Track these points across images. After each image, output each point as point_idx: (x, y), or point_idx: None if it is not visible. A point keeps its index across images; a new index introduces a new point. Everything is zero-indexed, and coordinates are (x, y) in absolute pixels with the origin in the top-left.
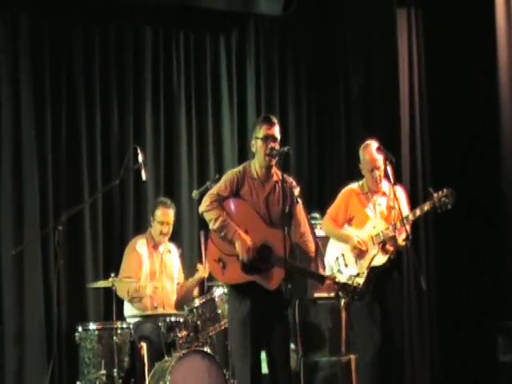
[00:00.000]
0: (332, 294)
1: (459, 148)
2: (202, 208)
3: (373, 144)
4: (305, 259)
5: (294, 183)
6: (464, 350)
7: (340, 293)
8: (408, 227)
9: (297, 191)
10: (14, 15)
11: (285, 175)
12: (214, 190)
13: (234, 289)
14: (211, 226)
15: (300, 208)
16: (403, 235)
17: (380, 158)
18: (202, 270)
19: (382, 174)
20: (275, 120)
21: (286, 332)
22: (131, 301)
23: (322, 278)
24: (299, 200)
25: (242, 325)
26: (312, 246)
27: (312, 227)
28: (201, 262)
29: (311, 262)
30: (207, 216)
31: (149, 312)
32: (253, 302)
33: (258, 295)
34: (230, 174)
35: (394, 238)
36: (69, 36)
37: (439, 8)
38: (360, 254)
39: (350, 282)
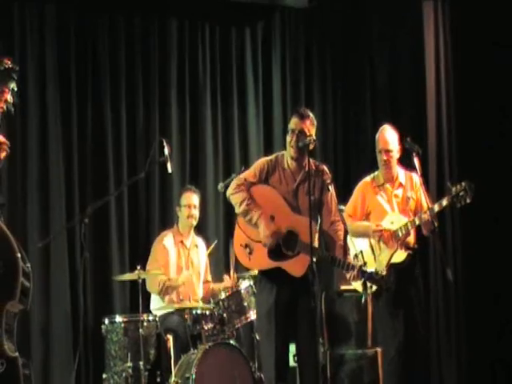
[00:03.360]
0: (358, 284)
1: (486, 140)
2: (228, 191)
3: (386, 127)
4: (332, 247)
5: (326, 170)
6: (491, 344)
7: (367, 282)
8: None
9: (328, 179)
10: (41, 6)
11: (317, 162)
12: (243, 175)
13: (261, 276)
14: (236, 209)
15: (331, 196)
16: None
17: (392, 142)
18: (228, 281)
19: (394, 161)
20: (308, 113)
21: (314, 324)
22: (161, 293)
23: (348, 267)
24: (330, 188)
25: (268, 315)
26: (341, 235)
27: (342, 215)
28: (228, 272)
29: (339, 250)
30: (233, 199)
31: (175, 305)
32: (279, 291)
33: (285, 283)
34: (261, 162)
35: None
36: (95, 27)
37: None
38: (381, 236)
39: (378, 271)
